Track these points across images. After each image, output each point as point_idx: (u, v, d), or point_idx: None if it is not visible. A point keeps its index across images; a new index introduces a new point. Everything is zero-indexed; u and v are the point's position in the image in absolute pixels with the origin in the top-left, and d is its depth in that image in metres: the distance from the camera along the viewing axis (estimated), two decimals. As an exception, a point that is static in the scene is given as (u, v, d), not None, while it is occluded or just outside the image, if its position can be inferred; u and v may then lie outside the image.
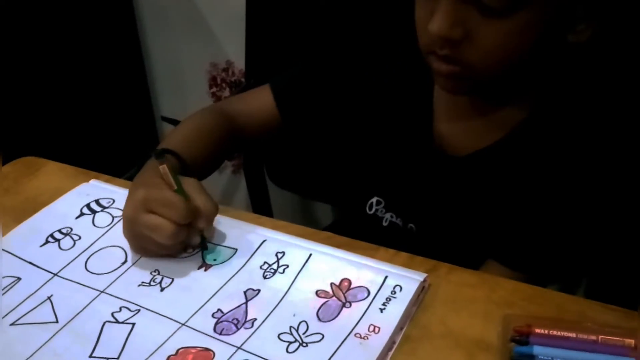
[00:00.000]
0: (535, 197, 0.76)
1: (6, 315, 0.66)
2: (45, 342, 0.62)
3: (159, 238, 0.68)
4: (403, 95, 0.83)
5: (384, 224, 0.86)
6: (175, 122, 1.72)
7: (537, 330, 0.58)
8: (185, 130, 0.87)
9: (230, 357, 0.60)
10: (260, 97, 0.90)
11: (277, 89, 0.90)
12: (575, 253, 0.78)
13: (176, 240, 0.69)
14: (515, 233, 0.77)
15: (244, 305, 0.65)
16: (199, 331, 0.62)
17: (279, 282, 0.67)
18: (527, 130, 0.76)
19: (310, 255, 0.70)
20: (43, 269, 0.71)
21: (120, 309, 0.66)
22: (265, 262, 0.70)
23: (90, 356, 0.61)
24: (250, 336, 0.61)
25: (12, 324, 0.65)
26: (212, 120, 0.88)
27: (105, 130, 1.63)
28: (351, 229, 0.76)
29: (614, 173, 0.74)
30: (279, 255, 0.70)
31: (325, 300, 0.65)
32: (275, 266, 0.69)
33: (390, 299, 0.64)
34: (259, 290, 0.66)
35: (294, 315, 0.63)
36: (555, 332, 0.58)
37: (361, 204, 0.88)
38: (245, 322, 0.63)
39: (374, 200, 0.87)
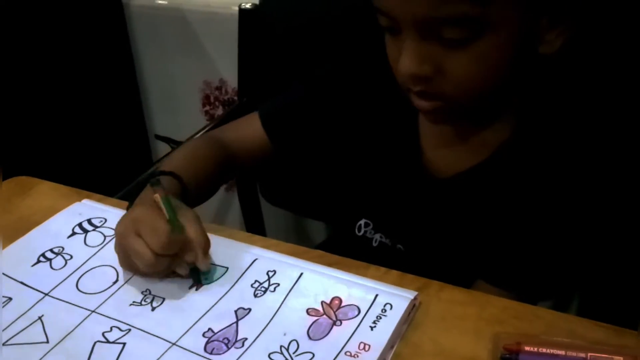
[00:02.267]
0: (521, 216, 0.76)
1: (-3, 335, 0.66)
2: (36, 363, 0.62)
3: (138, 264, 0.68)
4: (389, 119, 0.84)
5: (374, 244, 0.87)
6: (168, 141, 1.72)
7: (527, 348, 0.58)
8: (180, 155, 0.88)
9: (221, 376, 0.60)
10: (251, 125, 0.91)
11: (265, 116, 0.90)
12: (563, 270, 0.78)
13: (154, 270, 0.69)
14: (502, 252, 0.77)
15: (234, 325, 0.65)
16: (189, 351, 0.62)
17: (270, 300, 0.67)
18: (510, 149, 0.77)
19: (302, 274, 0.70)
20: (34, 289, 0.71)
21: (111, 328, 0.66)
22: (256, 281, 0.70)
23: (81, 376, 0.61)
24: (240, 356, 0.61)
25: (2, 344, 0.64)
26: (206, 147, 0.89)
27: (99, 148, 1.63)
28: (343, 248, 0.76)
29: (600, 188, 0.74)
30: (270, 274, 0.70)
31: (315, 318, 0.65)
32: (266, 284, 0.69)
33: (380, 317, 0.64)
34: (249, 309, 0.66)
35: (285, 334, 0.63)
36: (544, 350, 0.58)
37: (350, 226, 0.89)
38: (236, 341, 0.63)
39: (362, 222, 0.87)
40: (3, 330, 0.66)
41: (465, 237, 0.80)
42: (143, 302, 0.69)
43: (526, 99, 0.77)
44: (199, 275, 0.70)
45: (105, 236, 0.78)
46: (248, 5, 1.14)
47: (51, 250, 0.77)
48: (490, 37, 0.65)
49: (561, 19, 0.68)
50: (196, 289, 0.70)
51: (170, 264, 0.69)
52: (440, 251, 0.82)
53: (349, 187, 0.90)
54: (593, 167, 0.74)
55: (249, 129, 0.91)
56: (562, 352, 0.58)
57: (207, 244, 0.70)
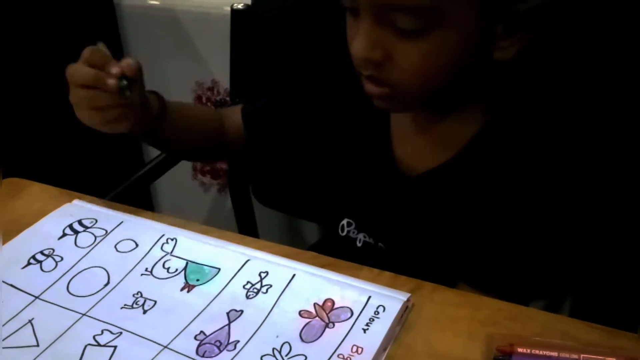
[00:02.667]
0: (493, 213, 0.76)
1: (-14, 339, 0.65)
2: (26, 366, 0.62)
3: (70, 79, 0.76)
4: (362, 118, 0.85)
5: (358, 244, 0.87)
6: (160, 141, 1.71)
7: (520, 350, 0.58)
8: (181, 101, 0.92)
9: (213, 379, 0.60)
10: (236, 113, 0.95)
11: (245, 111, 0.94)
12: (543, 270, 0.78)
13: (76, 76, 0.75)
14: (478, 252, 0.77)
15: (226, 327, 0.64)
16: (181, 354, 0.62)
17: (262, 302, 0.67)
18: (479, 145, 0.77)
19: (294, 275, 0.70)
20: (24, 292, 0.71)
21: (102, 331, 0.65)
22: (248, 282, 0.69)
23: (71, 380, 0.61)
24: (232, 358, 0.61)
25: (-8, 348, 0.64)
26: (209, 109, 0.97)
27: (90, 149, 1.62)
28: (331, 249, 0.77)
29: (573, 183, 0.74)
30: (263, 275, 0.70)
31: (308, 320, 0.64)
32: (258, 286, 0.69)
33: (373, 319, 0.63)
34: (242, 311, 0.66)
35: (277, 336, 0.63)
36: (537, 351, 0.58)
37: (334, 226, 0.89)
38: (228, 344, 0.62)
39: (344, 222, 0.88)
40: (-8, 333, 0.66)
41: (441, 235, 0.80)
42: (134, 305, 0.68)
43: (495, 92, 0.77)
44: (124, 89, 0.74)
45: (95, 237, 0.77)
46: (240, 6, 1.13)
47: (42, 252, 0.76)
48: (443, 33, 0.66)
49: (516, 29, 0.68)
50: (187, 291, 0.69)
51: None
52: (419, 249, 0.82)
53: (329, 188, 0.91)
54: (564, 163, 0.74)
55: (234, 116, 0.95)
56: (555, 354, 0.57)
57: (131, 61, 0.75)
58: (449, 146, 0.78)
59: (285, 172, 1.14)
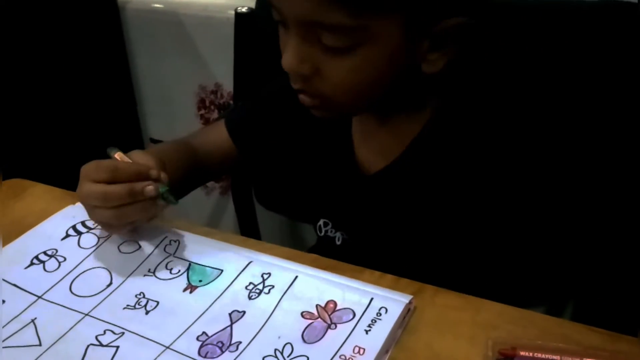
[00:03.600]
0: (449, 205, 0.77)
1: (-11, 338, 0.65)
2: (28, 366, 0.62)
3: (95, 202, 0.71)
4: (327, 123, 0.85)
5: (337, 242, 0.88)
6: (163, 144, 1.72)
7: (522, 353, 0.58)
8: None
9: (215, 380, 0.60)
10: (218, 131, 0.95)
11: (230, 122, 0.95)
12: (511, 264, 0.78)
13: (108, 203, 0.70)
14: (441, 248, 0.77)
15: (229, 328, 0.64)
16: (183, 354, 0.62)
17: (265, 302, 0.67)
18: (426, 137, 0.77)
19: (296, 277, 0.70)
20: (27, 292, 0.71)
21: (105, 332, 0.65)
22: (250, 283, 0.70)
23: (74, 379, 0.61)
24: (234, 359, 0.61)
25: (-5, 347, 0.64)
26: (174, 151, 0.91)
27: (94, 151, 1.63)
28: (318, 249, 0.77)
29: (528, 173, 0.75)
30: (265, 276, 0.70)
31: (310, 321, 0.65)
32: (260, 287, 0.69)
33: (375, 321, 0.63)
34: (244, 312, 0.66)
35: (279, 337, 0.63)
36: (539, 355, 0.58)
37: (313, 227, 0.90)
38: (230, 345, 0.63)
39: (321, 222, 0.89)
40: (-5, 332, 0.66)
41: (405, 231, 0.81)
42: (137, 306, 0.68)
43: (437, 92, 0.77)
44: (168, 196, 0.72)
45: (99, 238, 0.78)
46: (244, 10, 1.14)
47: (45, 253, 0.76)
48: (369, 50, 0.66)
49: (443, 44, 0.69)
50: (190, 292, 0.69)
51: (133, 198, 0.71)
52: (386, 246, 0.83)
53: (305, 189, 0.92)
54: (515, 150, 0.74)
55: (216, 135, 0.95)
56: (557, 357, 0.58)
57: (161, 165, 0.74)
58: (400, 142, 0.79)
59: (278, 175, 1.15)
